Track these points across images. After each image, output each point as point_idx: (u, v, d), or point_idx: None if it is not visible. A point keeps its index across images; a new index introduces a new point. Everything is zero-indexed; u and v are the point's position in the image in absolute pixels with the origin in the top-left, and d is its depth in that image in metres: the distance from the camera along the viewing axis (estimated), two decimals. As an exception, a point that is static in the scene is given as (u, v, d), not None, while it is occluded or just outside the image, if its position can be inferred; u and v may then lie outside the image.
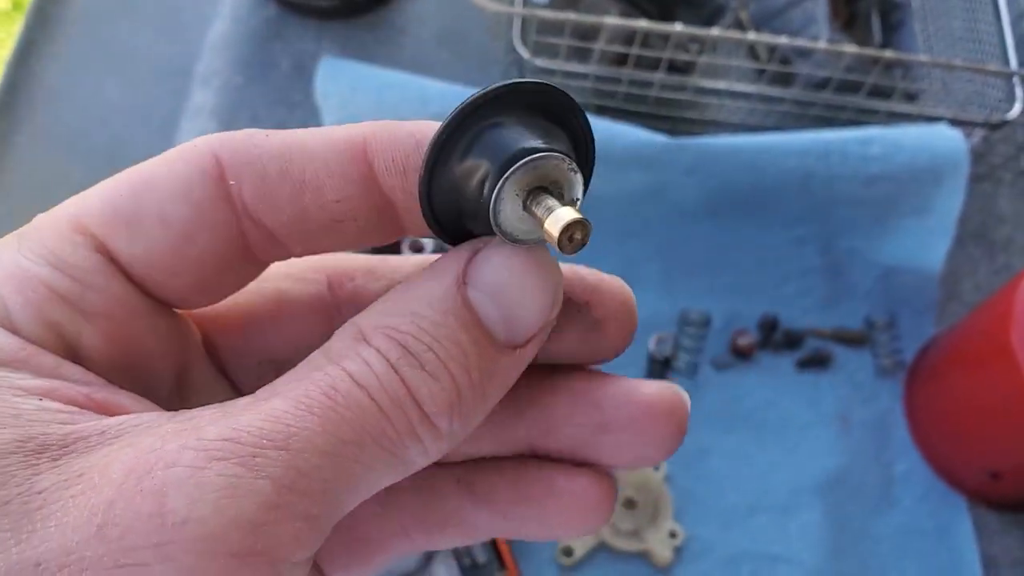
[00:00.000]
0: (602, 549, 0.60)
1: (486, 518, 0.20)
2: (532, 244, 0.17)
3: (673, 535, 0.60)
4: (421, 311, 0.16)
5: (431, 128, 0.17)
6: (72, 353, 0.17)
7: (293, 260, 0.19)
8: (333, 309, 0.20)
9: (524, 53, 0.66)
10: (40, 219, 0.18)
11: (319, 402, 0.15)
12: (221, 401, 0.20)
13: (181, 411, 0.16)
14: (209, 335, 0.21)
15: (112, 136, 0.75)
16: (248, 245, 0.18)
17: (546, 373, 0.20)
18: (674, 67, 0.66)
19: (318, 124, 0.71)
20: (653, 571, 0.60)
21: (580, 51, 0.67)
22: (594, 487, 0.19)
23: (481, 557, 0.53)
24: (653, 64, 0.65)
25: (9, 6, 1.91)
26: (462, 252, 0.17)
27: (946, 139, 0.64)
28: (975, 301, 0.70)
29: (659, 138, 0.63)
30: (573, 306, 0.19)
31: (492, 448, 0.20)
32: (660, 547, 0.60)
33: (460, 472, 0.20)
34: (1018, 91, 0.68)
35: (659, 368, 0.65)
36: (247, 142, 0.18)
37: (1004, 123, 0.69)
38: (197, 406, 0.20)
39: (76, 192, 0.18)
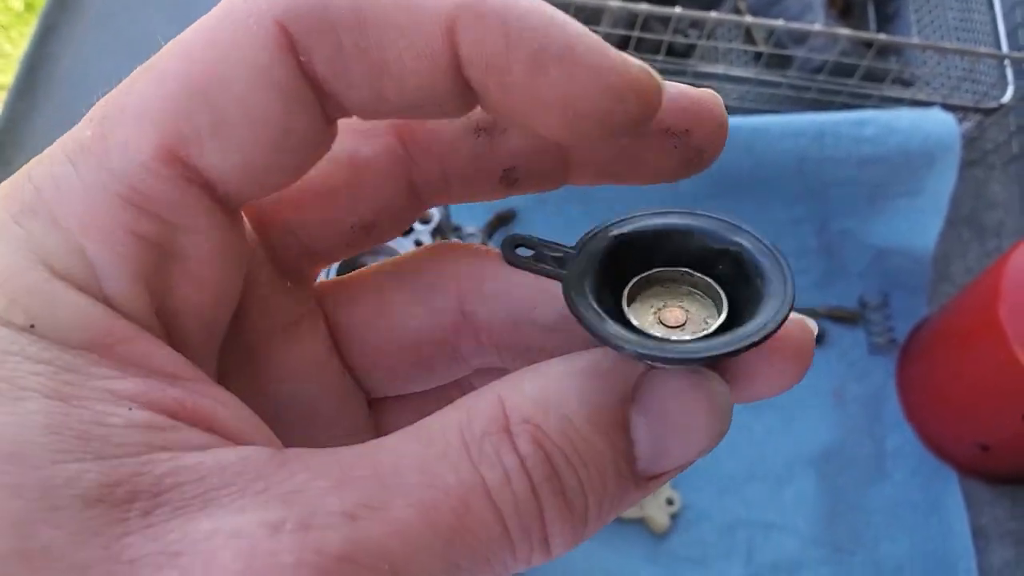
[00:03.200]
0: (601, 515, 0.62)
1: None
2: (708, 374, 0.16)
3: (670, 502, 0.62)
4: (576, 420, 0.15)
5: (528, 21, 0.14)
6: (158, 308, 0.15)
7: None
8: (409, 162, 0.18)
9: (529, 37, 0.68)
10: (101, 136, 0.15)
11: (447, 522, 0.13)
12: (300, 317, 0.19)
13: (287, 463, 0.14)
14: (288, 223, 0.18)
15: (129, 118, 0.77)
16: (332, 117, 0.16)
17: None
18: (674, 51, 0.68)
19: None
20: (650, 537, 0.62)
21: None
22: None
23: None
24: (654, 48, 0.67)
25: (22, 7, 1.94)
26: (637, 366, 0.16)
27: (938, 122, 0.65)
28: (966, 283, 0.72)
29: (659, 118, 0.65)
30: (674, 136, 0.17)
31: None
32: (657, 514, 0.61)
33: None
34: (1009, 75, 0.70)
35: (658, 343, 0.67)
36: (316, 5, 0.14)
37: (997, 109, 0.71)
38: (275, 333, 0.18)
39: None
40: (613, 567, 0.61)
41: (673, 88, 0.17)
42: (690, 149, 0.17)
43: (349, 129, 0.18)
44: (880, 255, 0.69)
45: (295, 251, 0.19)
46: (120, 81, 0.15)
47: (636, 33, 0.64)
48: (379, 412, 0.21)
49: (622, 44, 0.67)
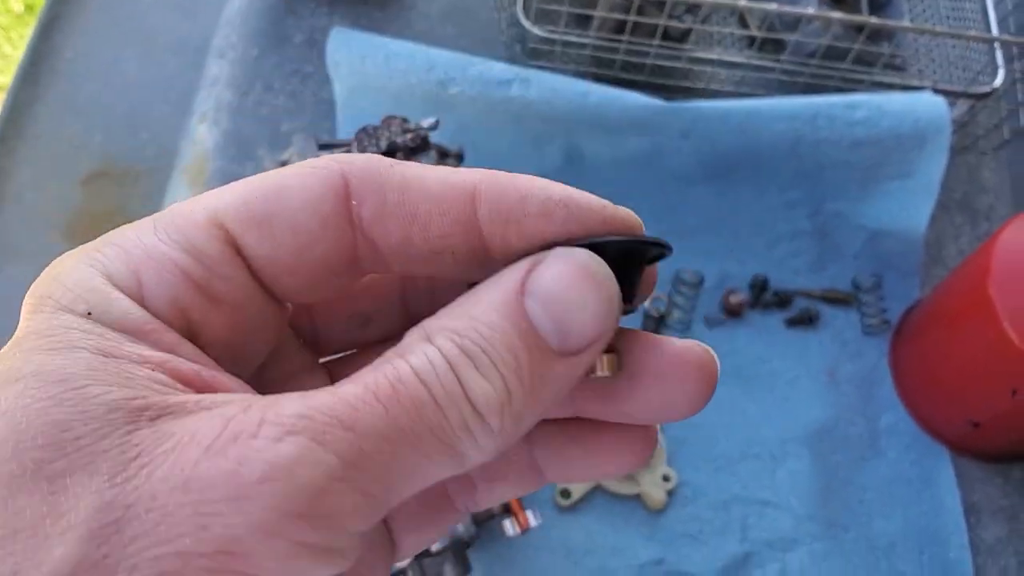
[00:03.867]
0: (598, 491, 0.63)
1: (543, 456, 0.22)
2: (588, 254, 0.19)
3: (666, 479, 0.63)
4: (479, 316, 0.18)
5: (533, 184, 0.19)
6: (192, 333, 0.19)
7: None
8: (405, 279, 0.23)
9: (526, 23, 0.69)
10: (176, 209, 0.20)
11: (384, 391, 0.17)
12: (307, 368, 0.23)
13: (270, 395, 0.17)
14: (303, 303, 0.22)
15: (131, 107, 0.78)
16: (357, 257, 0.20)
17: None
18: (669, 36, 0.69)
19: (330, 94, 0.75)
20: (647, 513, 0.63)
21: (581, 20, 0.70)
22: (636, 434, 0.22)
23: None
24: (650, 33, 0.68)
25: (22, 9, 1.95)
26: (522, 264, 0.19)
27: (929, 105, 0.66)
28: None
29: (655, 101, 0.66)
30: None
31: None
32: (654, 490, 0.62)
33: None
34: (1000, 59, 0.71)
35: (653, 324, 0.68)
36: (373, 169, 0.19)
37: (988, 94, 0.72)
38: (286, 379, 0.22)
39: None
40: (611, 542, 0.61)
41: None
42: None
43: None
44: (873, 237, 0.70)
45: (309, 331, 0.23)
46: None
47: (632, 17, 0.65)
48: (342, 367, 0.24)
49: (619, 29, 0.68)
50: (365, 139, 0.53)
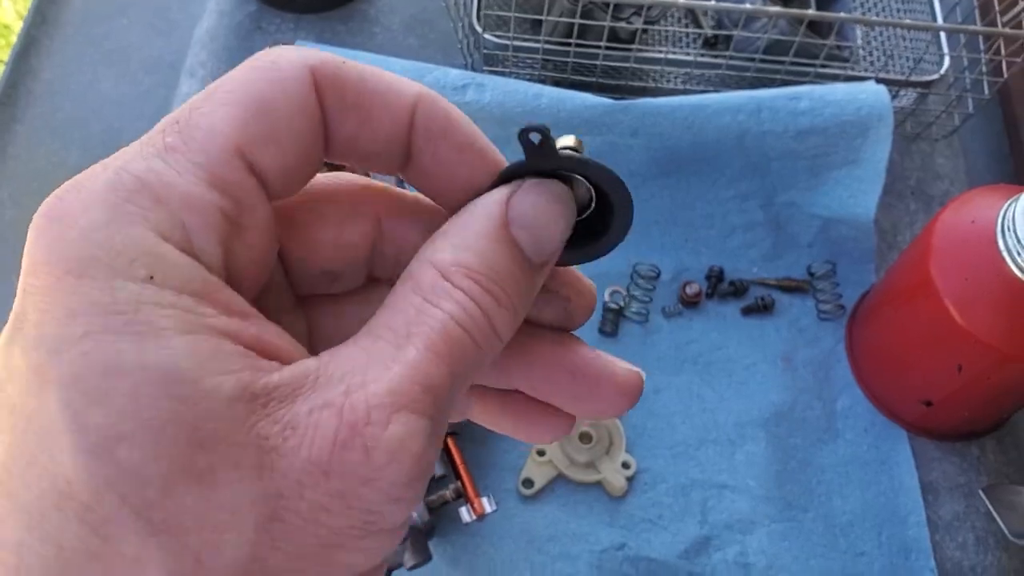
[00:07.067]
0: (560, 480, 0.64)
1: (479, 409, 0.25)
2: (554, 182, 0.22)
3: (626, 466, 0.65)
4: (485, 251, 0.21)
5: (460, 114, 0.22)
6: (229, 269, 0.20)
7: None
8: (377, 239, 0.25)
9: (480, 29, 0.71)
10: (188, 137, 0.19)
11: (443, 351, 0.19)
12: (287, 305, 0.24)
13: (329, 359, 0.19)
14: (286, 248, 0.24)
15: (107, 125, 0.80)
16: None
17: (534, 342, 0.25)
18: (619, 38, 0.71)
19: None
20: (608, 500, 0.64)
21: (534, 26, 0.73)
22: (558, 420, 0.25)
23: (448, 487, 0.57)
24: (600, 35, 0.70)
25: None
26: (502, 192, 0.21)
27: (870, 93, 0.68)
28: (914, 251, 0.75)
29: (603, 100, 0.68)
30: (557, 297, 0.24)
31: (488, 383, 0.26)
32: (614, 477, 0.64)
33: None
34: (945, 48, 0.73)
35: (613, 316, 0.70)
36: (333, 64, 0.21)
37: (934, 82, 0.73)
38: (271, 314, 0.23)
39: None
40: (573, 529, 0.63)
41: (573, 272, 0.25)
42: (567, 310, 0.24)
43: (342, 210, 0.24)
44: (826, 225, 0.72)
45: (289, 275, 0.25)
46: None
47: (578, 20, 0.67)
48: (309, 308, 0.26)
49: (568, 32, 0.70)
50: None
